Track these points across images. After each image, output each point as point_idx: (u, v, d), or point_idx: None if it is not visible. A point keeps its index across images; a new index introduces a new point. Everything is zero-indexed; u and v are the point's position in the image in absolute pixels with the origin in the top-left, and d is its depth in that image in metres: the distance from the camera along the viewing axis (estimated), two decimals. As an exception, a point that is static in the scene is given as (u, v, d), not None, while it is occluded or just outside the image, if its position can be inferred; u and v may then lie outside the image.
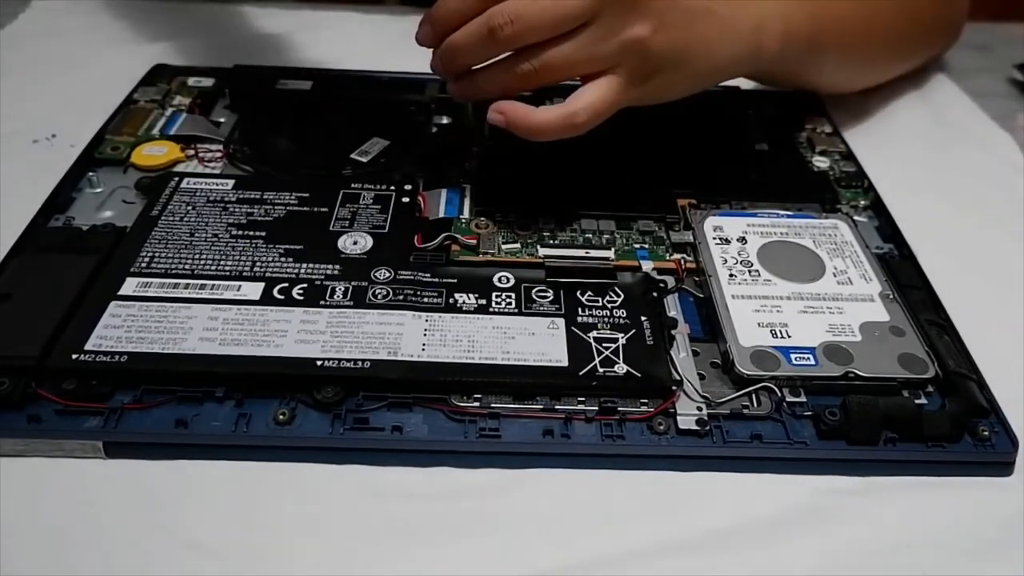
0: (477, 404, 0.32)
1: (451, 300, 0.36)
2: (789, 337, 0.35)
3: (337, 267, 0.37)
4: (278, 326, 0.34)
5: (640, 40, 0.37)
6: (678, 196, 0.43)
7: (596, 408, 0.32)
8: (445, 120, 0.49)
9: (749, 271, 0.38)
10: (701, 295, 0.38)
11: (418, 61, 0.55)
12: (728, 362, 0.34)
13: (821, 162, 0.48)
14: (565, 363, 0.33)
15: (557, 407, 0.32)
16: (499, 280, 0.37)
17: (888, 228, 0.43)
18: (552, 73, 0.37)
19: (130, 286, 0.35)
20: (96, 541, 0.28)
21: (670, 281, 0.38)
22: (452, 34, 0.37)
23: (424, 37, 0.39)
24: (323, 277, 0.36)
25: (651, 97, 0.40)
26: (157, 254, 0.37)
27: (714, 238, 0.40)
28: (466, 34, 0.37)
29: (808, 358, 0.34)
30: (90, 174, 0.43)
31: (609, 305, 0.36)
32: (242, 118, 0.48)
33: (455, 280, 0.37)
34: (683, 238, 0.40)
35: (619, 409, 0.32)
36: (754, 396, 0.33)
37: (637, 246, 0.40)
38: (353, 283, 0.36)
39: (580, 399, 0.32)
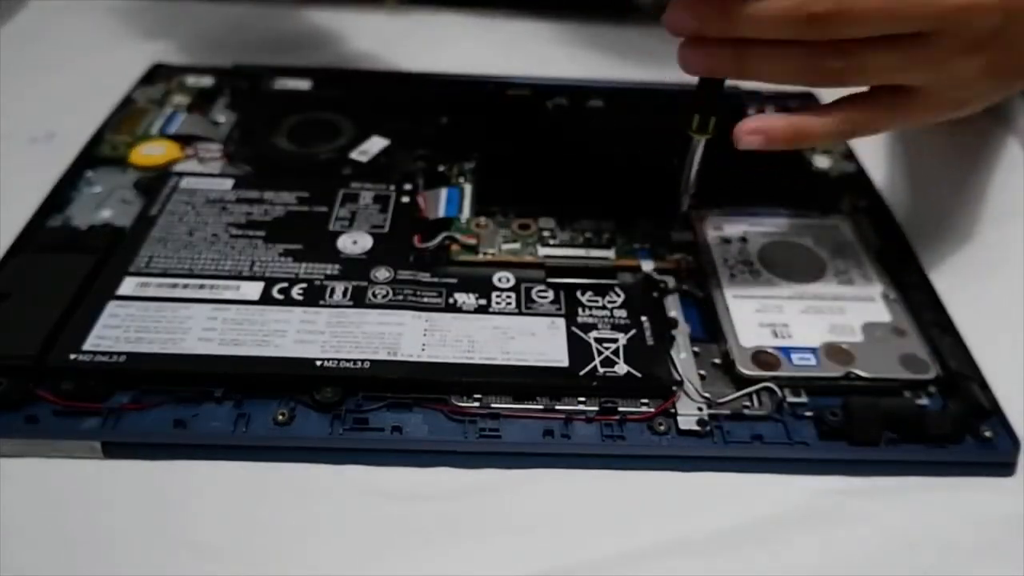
0: (477, 404, 0.32)
1: (451, 300, 0.36)
2: (790, 337, 0.35)
3: (336, 267, 0.37)
4: (277, 326, 0.34)
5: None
6: (678, 196, 0.43)
7: (596, 408, 0.32)
8: (445, 120, 0.49)
9: (750, 271, 0.38)
10: (701, 295, 0.37)
11: (419, 61, 0.56)
12: (729, 362, 0.34)
13: (821, 162, 0.48)
14: (565, 363, 0.33)
15: (557, 407, 0.32)
16: (499, 280, 0.37)
17: (888, 228, 0.43)
18: (858, 76, 0.32)
19: (129, 286, 0.35)
20: (95, 541, 0.28)
21: (670, 281, 0.38)
22: None
23: None
24: (322, 277, 0.36)
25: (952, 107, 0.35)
26: (156, 254, 0.37)
27: (714, 238, 0.40)
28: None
29: (809, 358, 0.34)
30: (88, 173, 0.43)
31: (609, 305, 0.36)
32: (242, 118, 0.48)
33: (455, 280, 0.37)
34: (683, 238, 0.40)
35: (620, 409, 0.32)
36: (755, 396, 0.33)
37: (637, 246, 0.40)
38: (353, 283, 0.36)
39: (580, 399, 0.32)
